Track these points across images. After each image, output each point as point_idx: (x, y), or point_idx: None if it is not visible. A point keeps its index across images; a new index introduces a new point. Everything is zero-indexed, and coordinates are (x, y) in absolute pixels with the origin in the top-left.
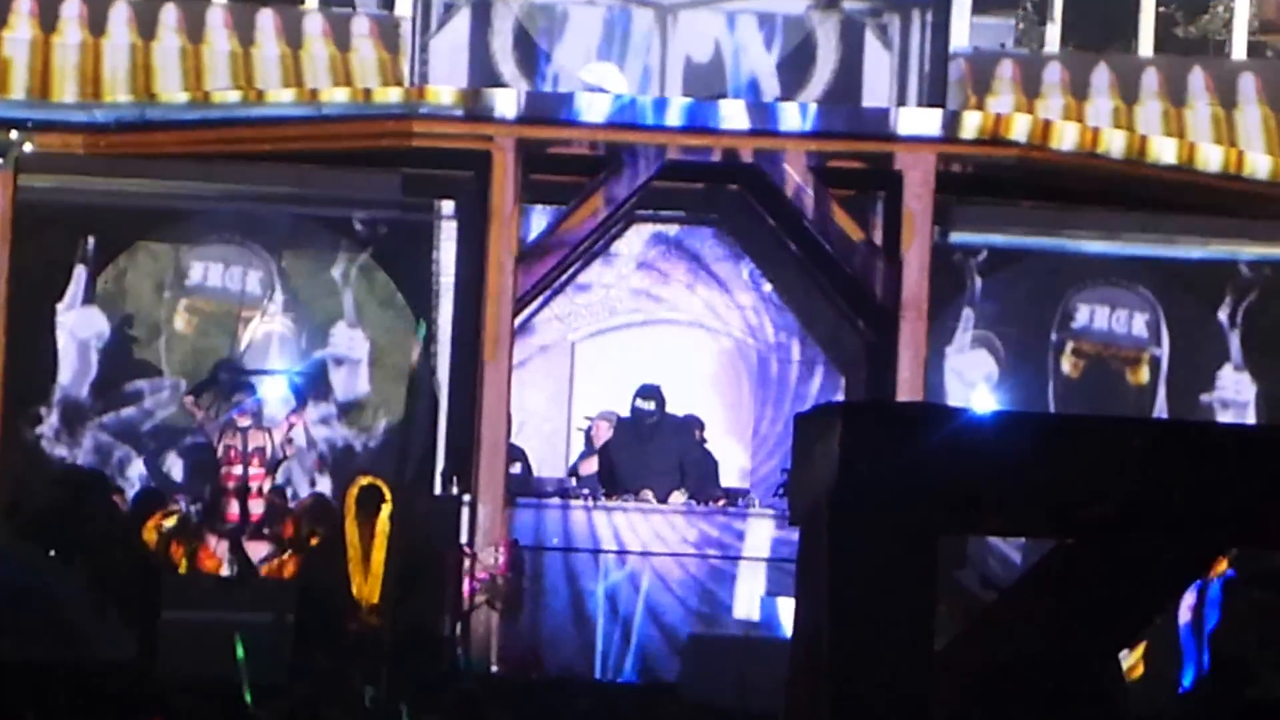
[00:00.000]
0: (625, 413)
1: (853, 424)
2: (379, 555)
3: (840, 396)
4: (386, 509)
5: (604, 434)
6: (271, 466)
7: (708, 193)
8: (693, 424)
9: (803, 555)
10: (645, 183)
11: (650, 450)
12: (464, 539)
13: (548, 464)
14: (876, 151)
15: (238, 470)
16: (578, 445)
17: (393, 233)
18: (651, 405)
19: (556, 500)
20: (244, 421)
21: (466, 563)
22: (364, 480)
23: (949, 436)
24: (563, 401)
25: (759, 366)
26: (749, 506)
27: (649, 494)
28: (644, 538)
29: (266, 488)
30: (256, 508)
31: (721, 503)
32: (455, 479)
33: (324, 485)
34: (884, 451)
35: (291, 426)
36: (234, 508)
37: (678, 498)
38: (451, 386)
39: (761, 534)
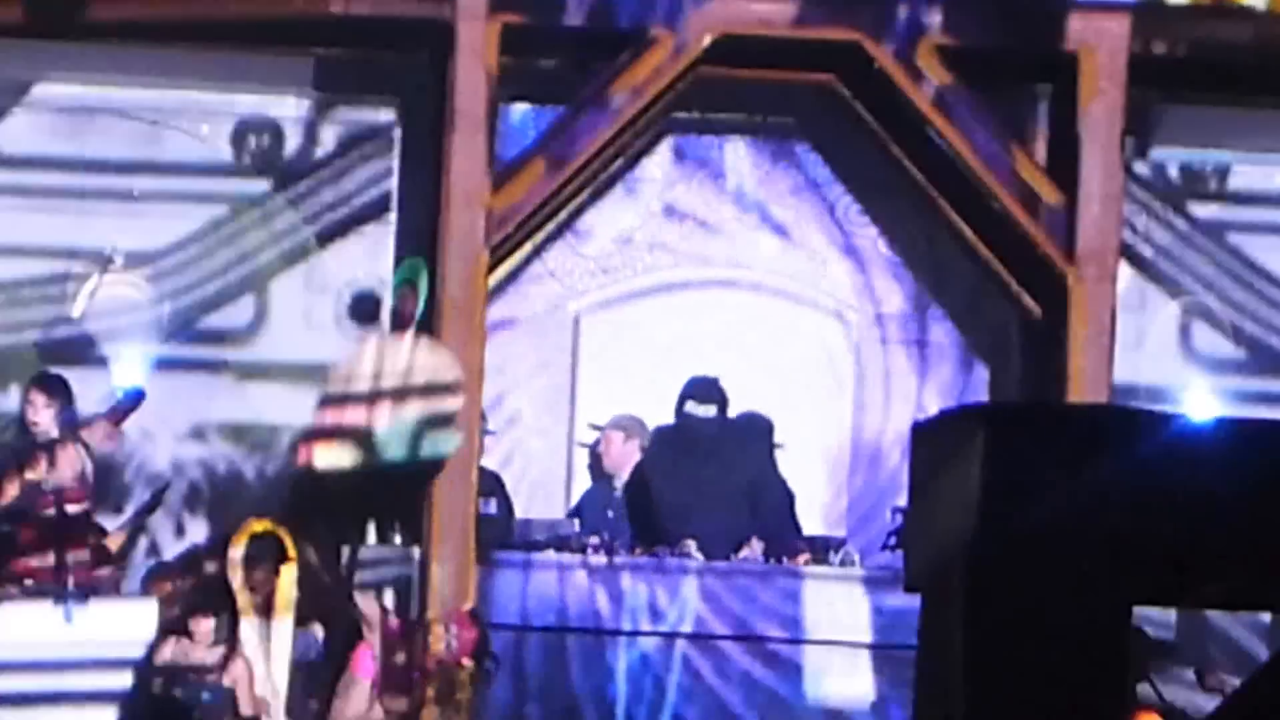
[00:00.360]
0: (654, 417)
1: (1002, 438)
2: (280, 641)
3: (983, 396)
4: (289, 570)
5: (620, 452)
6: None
7: (782, 88)
8: (765, 429)
9: (925, 636)
10: (686, 70)
11: (707, 476)
12: (411, 611)
13: (538, 498)
14: (1039, 25)
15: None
16: (583, 471)
17: (302, 149)
18: (712, 410)
19: (551, 555)
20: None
21: (399, 652)
22: (256, 526)
23: (1151, 458)
24: (561, 401)
25: (857, 351)
26: (844, 562)
27: (692, 547)
28: (689, 611)
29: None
30: (79, 558)
31: (803, 559)
32: (398, 523)
33: (195, 532)
34: (1050, 480)
35: (108, 435)
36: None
37: (750, 550)
38: None
39: (863, 605)
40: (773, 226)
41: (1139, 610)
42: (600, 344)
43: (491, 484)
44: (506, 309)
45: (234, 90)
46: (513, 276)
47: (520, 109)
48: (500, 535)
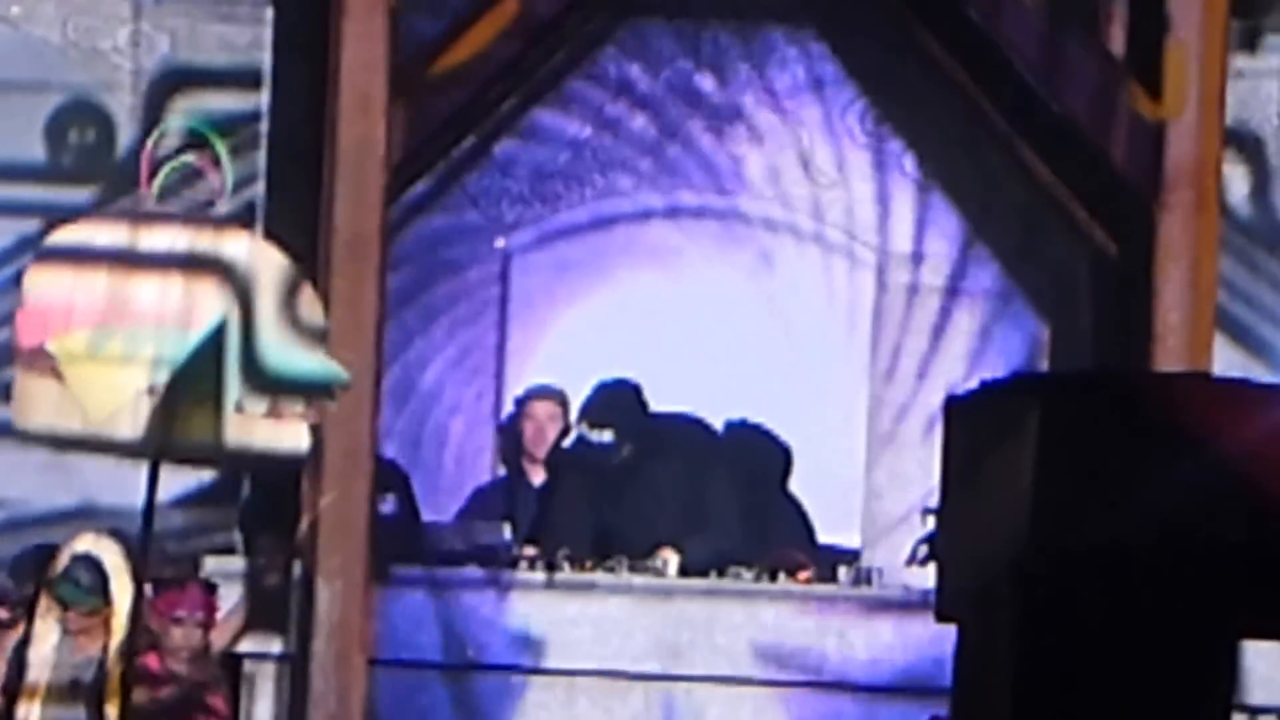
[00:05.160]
0: (585, 386)
1: (1065, 417)
2: (112, 694)
3: (1041, 361)
4: (124, 594)
5: (549, 427)
6: None
7: None
8: (724, 448)
9: (963, 677)
10: None
11: (631, 500)
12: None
13: (456, 494)
14: None
15: None
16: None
17: (148, 29)
18: (608, 437)
19: (474, 570)
20: None
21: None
22: (78, 544)
23: (1268, 444)
24: (485, 366)
25: (876, 301)
26: (858, 581)
27: (670, 557)
28: (657, 643)
29: None
30: None
31: (805, 576)
32: (270, 530)
33: None
34: (1129, 473)
35: None
36: None
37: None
38: None
39: (882, 636)
40: (772, 137)
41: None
42: (535, 292)
43: (393, 476)
44: (415, 245)
45: None
46: (422, 205)
47: None
48: (404, 544)
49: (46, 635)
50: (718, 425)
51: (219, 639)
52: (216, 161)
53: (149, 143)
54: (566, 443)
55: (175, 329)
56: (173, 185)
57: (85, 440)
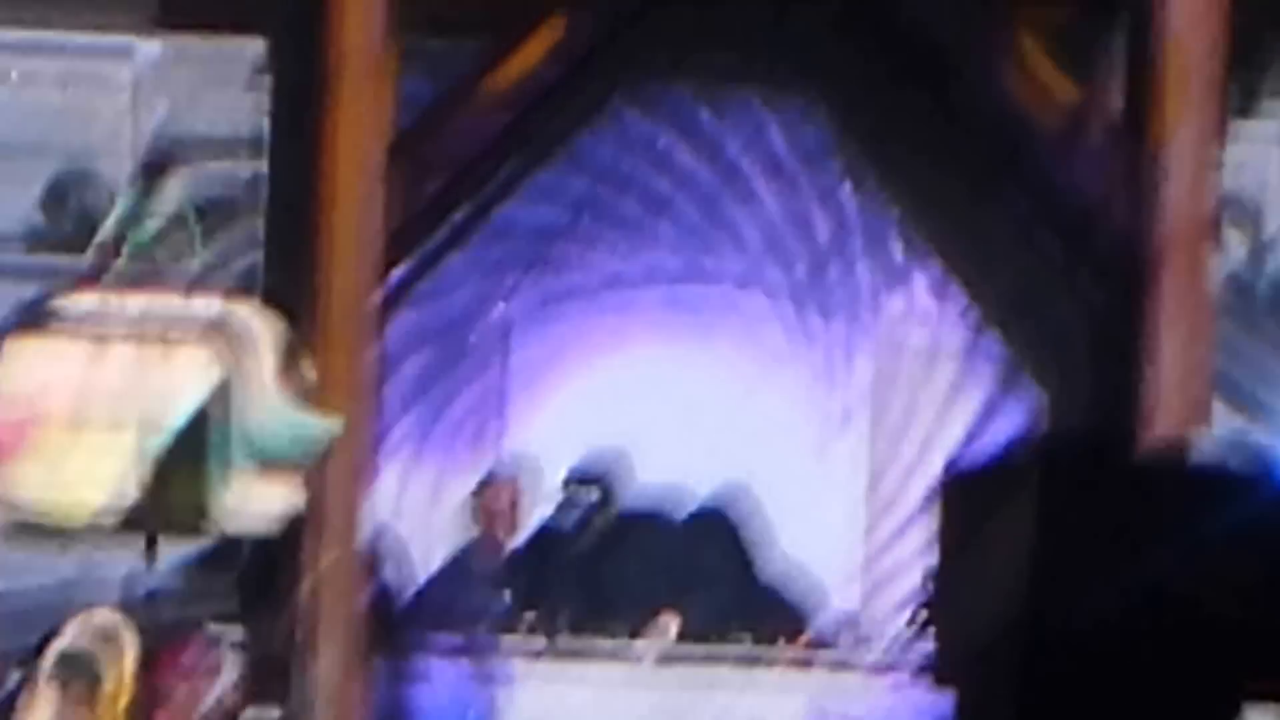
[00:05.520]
0: (604, 457)
1: (1063, 482)
2: None
3: (1038, 425)
4: (126, 667)
5: (509, 511)
6: None
7: (774, 17)
8: (719, 513)
9: None
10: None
11: (616, 566)
12: None
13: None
14: None
15: None
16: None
17: (147, 96)
18: (594, 495)
19: (471, 639)
20: None
21: None
22: (80, 616)
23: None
24: (487, 436)
25: (872, 364)
26: (856, 645)
27: (670, 621)
28: (651, 707)
29: None
30: None
31: (803, 640)
32: (268, 596)
33: None
34: (1130, 540)
35: None
36: None
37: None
38: None
39: (882, 698)
40: (760, 197)
41: None
42: (535, 357)
43: (388, 544)
44: (413, 315)
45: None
46: (421, 270)
47: (429, 52)
48: (401, 610)
49: (45, 707)
50: (708, 491)
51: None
52: (188, 231)
53: (118, 215)
54: (554, 506)
55: (162, 395)
56: (144, 252)
57: (72, 526)
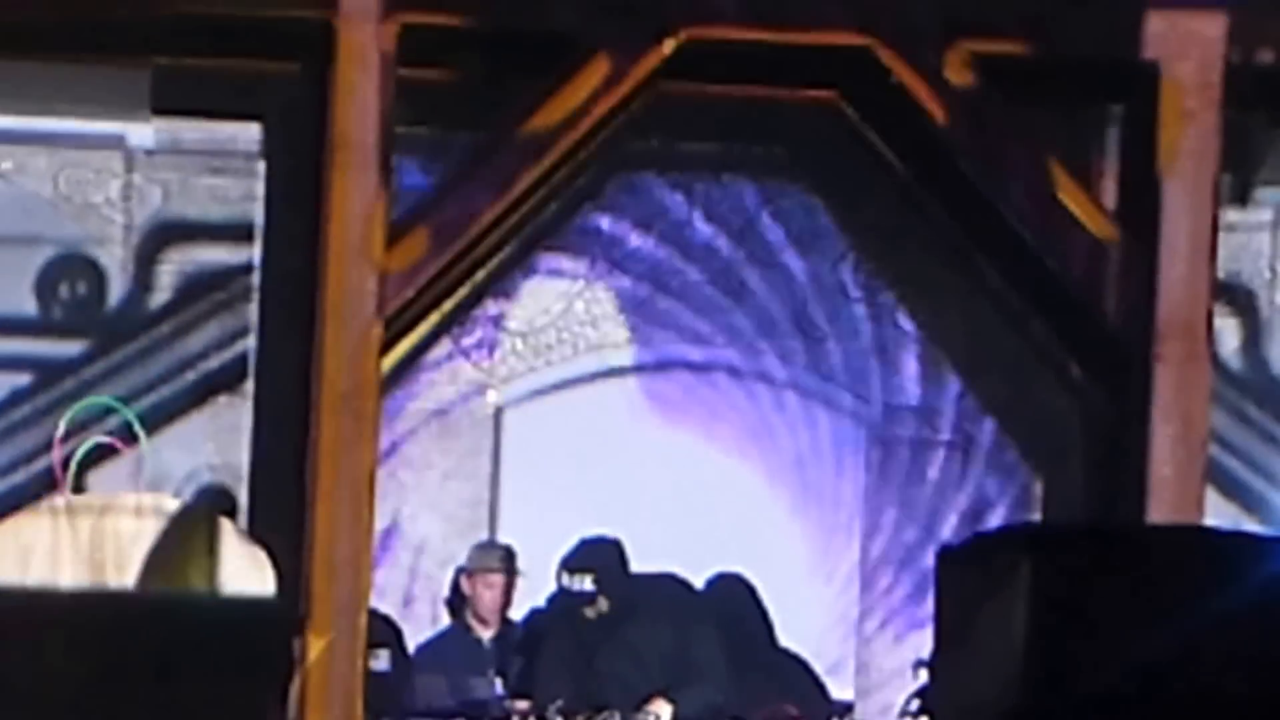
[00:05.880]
0: (530, 547)
1: (1057, 570)
2: None
3: (1033, 512)
4: None
5: (489, 597)
6: None
7: (769, 107)
8: (713, 603)
9: None
10: (640, 87)
11: (615, 653)
12: None
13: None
14: (1107, 27)
15: None
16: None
17: (131, 296)
18: (587, 583)
19: None
20: None
21: None
22: None
23: (1260, 597)
24: (478, 520)
25: (867, 453)
26: None
27: (662, 710)
28: None
29: None
30: None
31: None
32: (261, 685)
33: None
34: (1122, 626)
35: None
36: None
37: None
38: (256, 498)
39: None
40: (753, 290)
41: None
42: (528, 445)
43: (382, 630)
44: (407, 399)
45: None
46: (414, 358)
47: (424, 141)
48: (395, 700)
49: None
50: (701, 581)
51: None
52: (131, 435)
53: (60, 431)
54: (547, 595)
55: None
56: (89, 463)
57: None
